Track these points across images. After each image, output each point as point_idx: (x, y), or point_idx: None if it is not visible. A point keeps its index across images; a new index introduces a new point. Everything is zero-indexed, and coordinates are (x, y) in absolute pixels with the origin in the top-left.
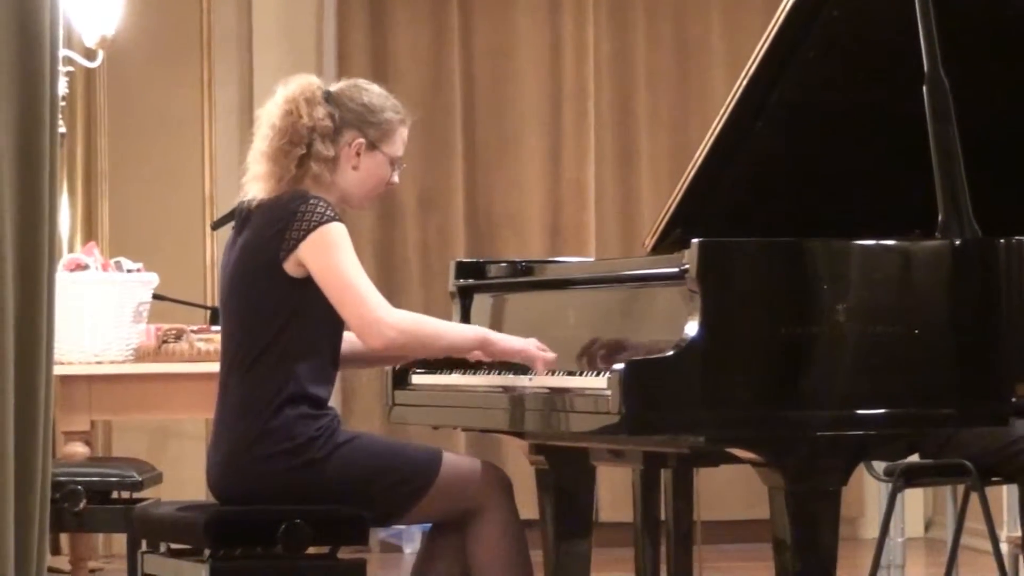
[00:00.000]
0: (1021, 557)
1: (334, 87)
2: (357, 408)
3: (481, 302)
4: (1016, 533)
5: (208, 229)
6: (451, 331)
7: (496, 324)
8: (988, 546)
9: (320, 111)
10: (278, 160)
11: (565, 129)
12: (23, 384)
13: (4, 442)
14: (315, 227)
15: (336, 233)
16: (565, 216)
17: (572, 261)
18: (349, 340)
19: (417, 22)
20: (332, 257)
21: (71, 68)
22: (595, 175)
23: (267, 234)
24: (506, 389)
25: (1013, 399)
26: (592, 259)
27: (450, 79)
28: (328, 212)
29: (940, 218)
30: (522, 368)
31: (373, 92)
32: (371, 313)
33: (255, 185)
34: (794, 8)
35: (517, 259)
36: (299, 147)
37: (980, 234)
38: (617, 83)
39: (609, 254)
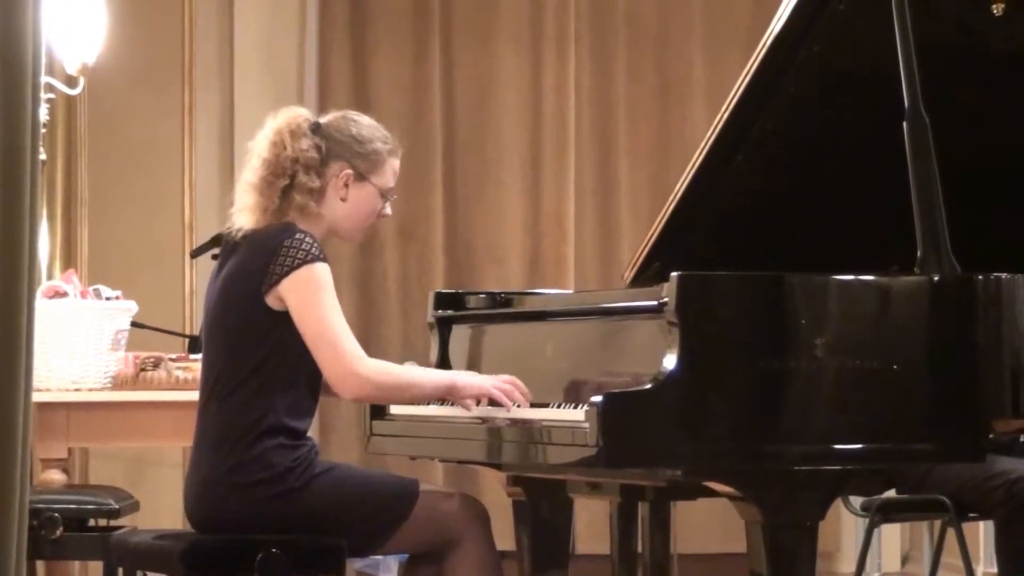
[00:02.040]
0: None
1: (324, 118)
2: (335, 439)
3: (460, 333)
4: (992, 569)
5: (188, 257)
6: (420, 381)
7: (474, 355)
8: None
9: (305, 143)
10: (263, 191)
11: (545, 161)
12: (1, 412)
13: None
14: (299, 265)
15: (319, 274)
16: (545, 248)
17: (551, 293)
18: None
19: (398, 53)
20: (312, 299)
21: (52, 95)
22: (575, 207)
23: (251, 267)
24: (484, 420)
25: (990, 435)
26: (571, 291)
27: (431, 110)
28: (313, 250)
29: (919, 254)
30: (492, 403)
31: (363, 123)
32: (345, 366)
33: (242, 216)
34: (775, 43)
35: (496, 290)
36: (282, 178)
37: (959, 270)
38: (597, 116)
39: (588, 286)
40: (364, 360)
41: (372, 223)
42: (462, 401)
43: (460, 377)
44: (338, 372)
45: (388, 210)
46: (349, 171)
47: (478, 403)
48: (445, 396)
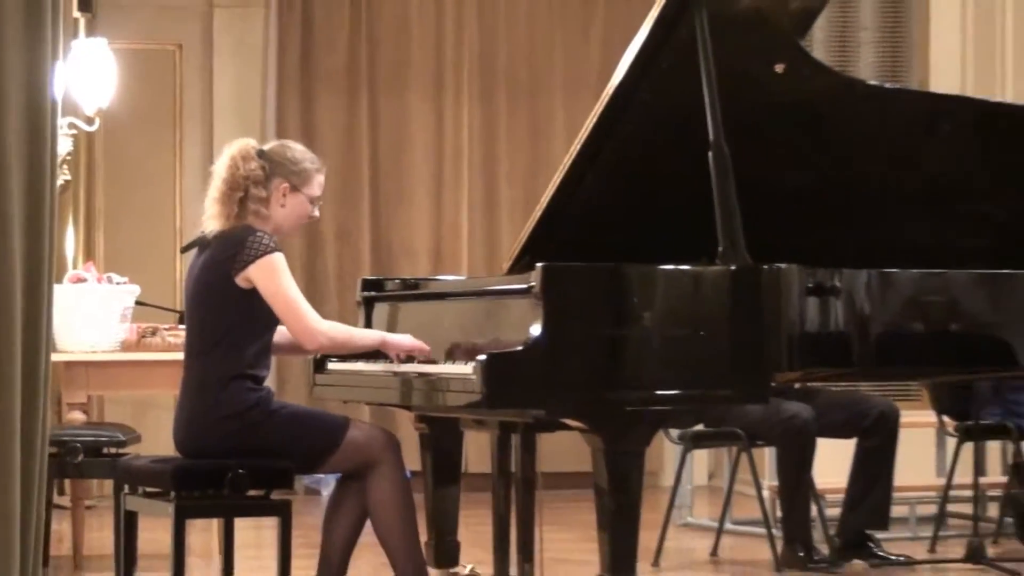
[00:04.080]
0: (777, 500)
1: (266, 146)
2: (288, 387)
3: (380, 310)
4: (774, 483)
5: (178, 252)
6: (362, 336)
7: (391, 326)
8: (754, 492)
9: (253, 164)
10: (224, 202)
11: (446, 182)
12: (27, 370)
13: (11, 415)
14: (263, 254)
15: (279, 261)
16: (444, 246)
17: (449, 279)
18: (286, 335)
19: (336, 100)
20: (277, 280)
21: (75, 131)
22: (467, 217)
23: (223, 256)
24: (397, 374)
25: (772, 384)
26: (464, 278)
27: (360, 143)
28: (271, 244)
29: (720, 249)
30: (409, 358)
31: (295, 149)
32: (308, 325)
33: (211, 221)
34: (614, 93)
35: (408, 277)
36: (238, 191)
37: (750, 261)
38: (484, 148)
39: (477, 274)
40: (320, 321)
41: (305, 223)
42: (390, 352)
43: (389, 335)
44: (303, 331)
45: (317, 213)
46: (286, 184)
47: (399, 360)
48: (379, 348)
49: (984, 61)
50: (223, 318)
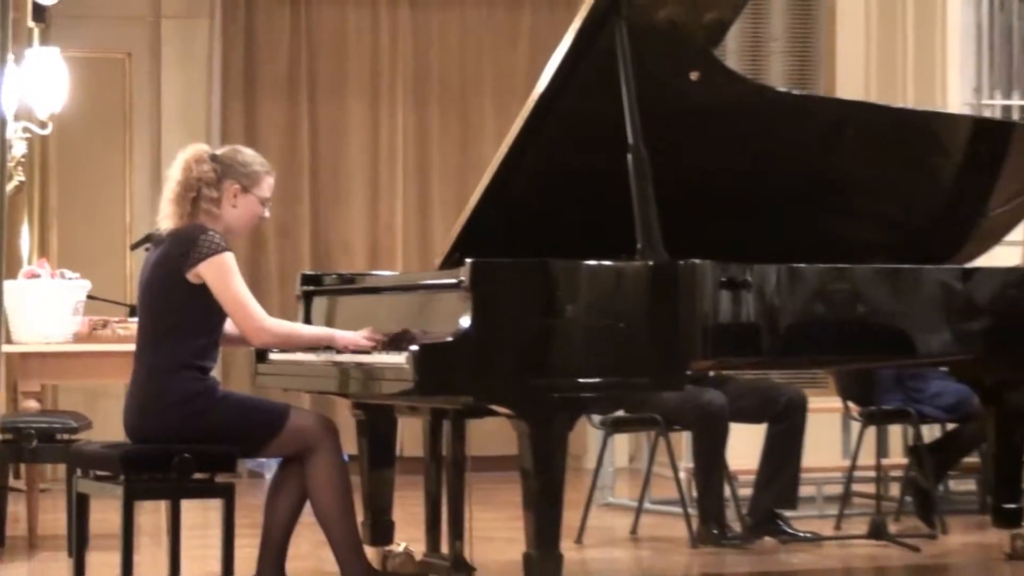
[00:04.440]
0: (693, 481)
1: (218, 151)
2: (233, 376)
3: (319, 303)
4: (690, 465)
5: (127, 250)
6: (308, 333)
7: (330, 319)
8: (671, 474)
9: (206, 167)
10: (178, 203)
11: (381, 183)
12: None
13: None
14: (213, 253)
15: (229, 260)
16: (380, 243)
17: (384, 274)
18: (234, 328)
19: (278, 106)
20: (226, 279)
21: (29, 135)
22: (402, 215)
23: (175, 253)
24: (335, 364)
25: (688, 372)
26: (398, 273)
27: (301, 146)
28: (222, 243)
29: (638, 246)
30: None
31: (246, 153)
32: (254, 322)
33: (166, 221)
34: (539, 99)
35: (345, 272)
36: (191, 192)
37: (666, 258)
38: (418, 149)
39: (411, 270)
40: (266, 318)
41: (256, 223)
42: (341, 347)
43: (338, 332)
44: (249, 327)
45: (267, 213)
46: (237, 186)
47: (336, 351)
48: (326, 344)
49: (886, 69)
50: (173, 312)
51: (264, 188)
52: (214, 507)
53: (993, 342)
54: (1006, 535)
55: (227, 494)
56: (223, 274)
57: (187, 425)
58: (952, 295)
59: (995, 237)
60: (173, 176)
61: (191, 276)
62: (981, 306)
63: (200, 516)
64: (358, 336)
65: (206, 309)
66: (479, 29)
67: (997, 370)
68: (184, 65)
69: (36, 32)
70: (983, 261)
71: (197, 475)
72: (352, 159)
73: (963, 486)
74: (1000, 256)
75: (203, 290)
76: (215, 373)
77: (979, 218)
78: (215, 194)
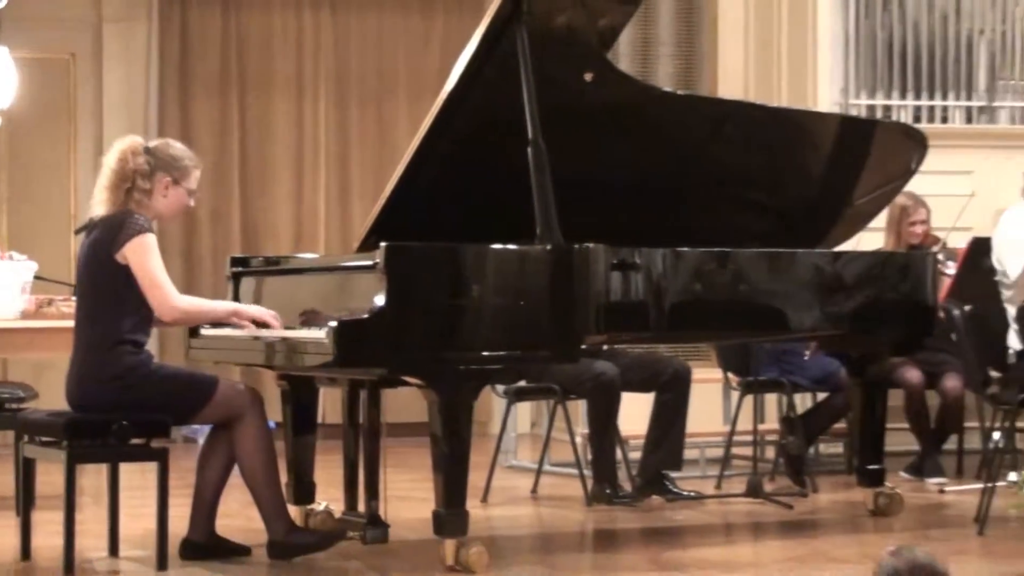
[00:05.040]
0: (588, 445)
1: (151, 143)
2: (169, 351)
3: (247, 283)
4: (585, 431)
5: (72, 234)
6: (214, 308)
7: (257, 298)
8: (568, 438)
9: (140, 159)
10: (112, 191)
11: (306, 172)
12: None
13: None
14: (136, 234)
15: (149, 241)
16: (304, 229)
17: (307, 256)
18: None
19: (211, 102)
20: (144, 258)
21: None
22: (324, 202)
23: (106, 237)
24: (261, 339)
25: (583, 345)
26: (320, 255)
27: (232, 139)
28: (145, 225)
29: (538, 231)
30: (263, 325)
31: (177, 147)
32: (165, 301)
33: (99, 207)
34: (447, 97)
35: (271, 255)
36: (126, 183)
37: (563, 242)
38: (339, 142)
39: (332, 253)
40: (177, 297)
41: (183, 211)
42: (241, 321)
43: (241, 305)
44: (160, 304)
45: (192, 203)
46: (168, 178)
47: (259, 327)
48: (233, 318)
49: (763, 71)
50: (106, 291)
51: (192, 181)
52: (150, 470)
53: (858, 319)
54: (870, 493)
55: (161, 458)
56: (142, 254)
57: (124, 396)
58: (822, 276)
59: (860, 223)
60: (108, 164)
61: (119, 257)
62: (848, 286)
63: (138, 478)
64: (257, 310)
65: (135, 288)
66: (394, 33)
67: (861, 344)
68: (124, 65)
69: None
70: (850, 245)
71: (134, 441)
72: (278, 151)
73: (832, 449)
74: (865, 241)
75: (131, 271)
76: (153, 347)
77: (846, 206)
78: (147, 185)
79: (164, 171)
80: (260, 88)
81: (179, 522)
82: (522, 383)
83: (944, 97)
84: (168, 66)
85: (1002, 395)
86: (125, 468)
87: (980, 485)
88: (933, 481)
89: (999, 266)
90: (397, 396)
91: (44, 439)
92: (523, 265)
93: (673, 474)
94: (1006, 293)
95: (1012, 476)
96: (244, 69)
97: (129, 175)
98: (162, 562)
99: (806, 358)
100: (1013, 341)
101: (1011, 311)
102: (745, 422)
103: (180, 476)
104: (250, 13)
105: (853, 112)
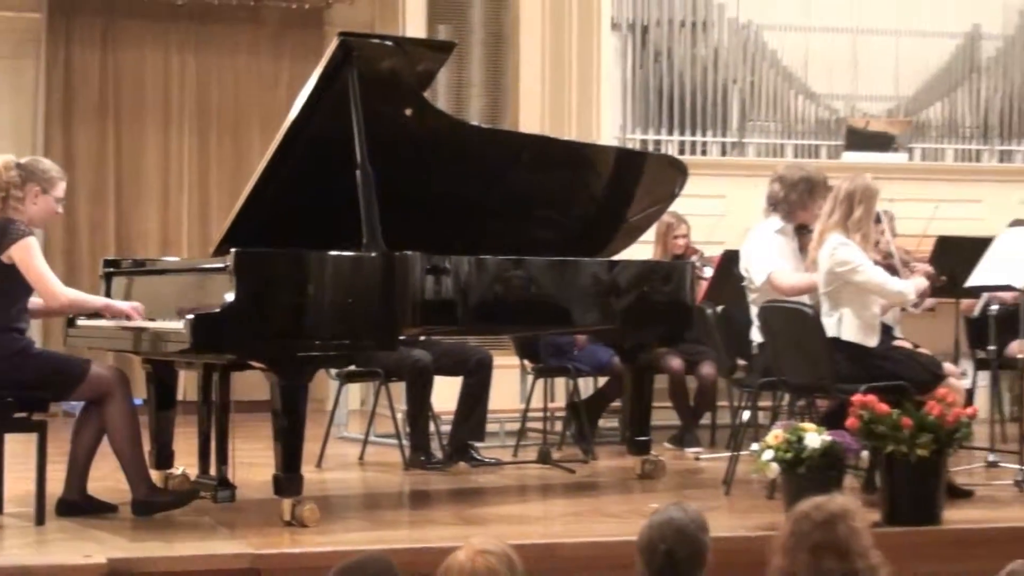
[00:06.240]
0: (406, 420)
1: (23, 160)
2: (51, 339)
3: (118, 282)
4: (404, 407)
5: None
6: (91, 301)
7: (127, 295)
8: (390, 414)
9: (12, 173)
10: None
11: (171, 190)
12: None
13: None
14: (20, 238)
15: (32, 243)
16: (170, 236)
17: (171, 260)
18: (38, 303)
19: (92, 130)
20: (29, 258)
21: None
22: (187, 214)
23: None
24: (128, 329)
25: (401, 337)
26: (181, 259)
27: (108, 159)
28: (26, 230)
29: (364, 240)
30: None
31: (44, 162)
32: (51, 291)
33: None
34: (290, 126)
35: (140, 258)
36: (1, 193)
37: (385, 249)
38: (200, 165)
39: (192, 256)
40: (63, 289)
41: (53, 217)
42: (115, 313)
43: (111, 301)
44: (48, 294)
45: (60, 210)
46: (38, 188)
47: (128, 319)
48: (106, 310)
49: (556, 109)
50: None
51: (59, 190)
52: (32, 440)
53: (630, 316)
54: (638, 460)
55: (41, 429)
56: (28, 255)
57: (8, 375)
58: (600, 281)
59: (633, 237)
60: None
61: (4, 258)
62: (622, 289)
63: (24, 447)
64: (127, 306)
65: (17, 283)
66: (249, 73)
67: (633, 337)
68: (14, 97)
69: None
70: (625, 255)
71: (17, 414)
72: (149, 170)
73: (610, 424)
74: (637, 251)
75: (13, 269)
76: (36, 335)
77: (622, 222)
78: (20, 195)
79: (34, 182)
80: (133, 117)
81: (56, 484)
82: (352, 367)
83: (703, 134)
84: (53, 98)
85: (746, 380)
86: (10, 438)
87: (728, 454)
88: (691, 451)
89: (746, 274)
90: (244, 377)
91: None
92: (353, 268)
93: (477, 444)
94: (751, 296)
95: (754, 446)
96: (120, 101)
97: (3, 187)
98: (40, 517)
99: (576, 353)
100: (755, 335)
101: (754, 311)
102: (537, 401)
103: (58, 446)
104: (125, 53)
105: (629, 145)
